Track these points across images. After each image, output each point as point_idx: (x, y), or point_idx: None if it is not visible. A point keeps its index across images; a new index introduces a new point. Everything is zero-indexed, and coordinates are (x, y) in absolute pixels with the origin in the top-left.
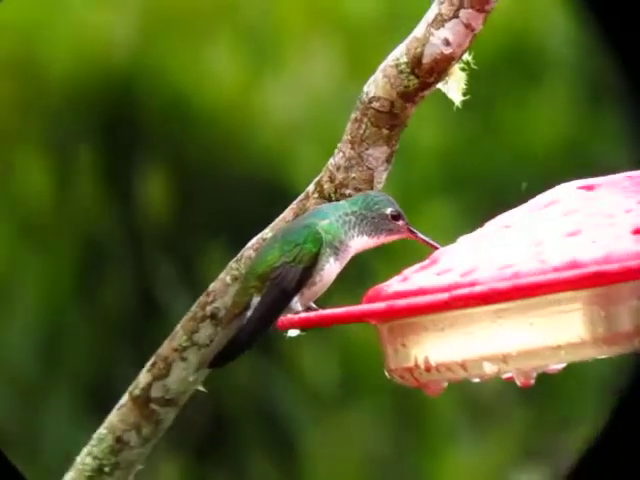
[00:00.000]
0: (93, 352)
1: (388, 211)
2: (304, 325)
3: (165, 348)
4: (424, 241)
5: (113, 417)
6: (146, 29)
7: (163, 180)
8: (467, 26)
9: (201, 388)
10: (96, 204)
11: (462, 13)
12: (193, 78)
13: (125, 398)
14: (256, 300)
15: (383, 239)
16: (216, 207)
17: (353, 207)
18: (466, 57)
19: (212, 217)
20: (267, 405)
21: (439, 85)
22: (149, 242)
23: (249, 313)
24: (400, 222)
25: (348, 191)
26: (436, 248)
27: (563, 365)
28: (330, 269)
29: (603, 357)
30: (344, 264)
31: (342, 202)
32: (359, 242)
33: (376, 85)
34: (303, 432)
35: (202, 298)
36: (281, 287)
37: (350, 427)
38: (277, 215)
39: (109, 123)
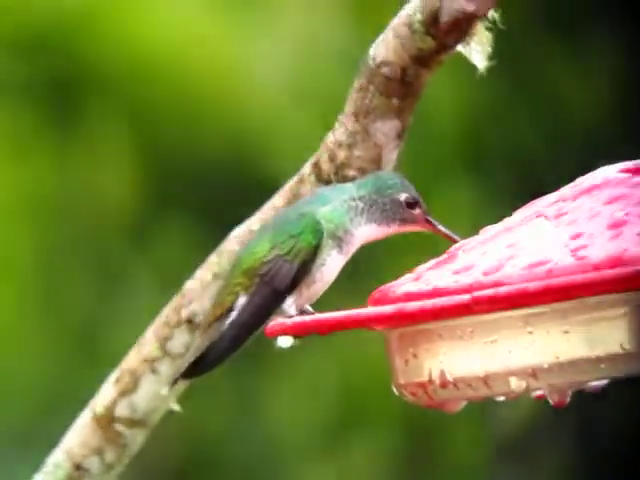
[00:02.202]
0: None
1: (402, 197)
2: (298, 332)
3: (132, 359)
4: (443, 233)
5: (71, 439)
6: None
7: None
8: None
9: (175, 407)
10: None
11: None
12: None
13: (86, 417)
14: (242, 300)
15: (395, 229)
16: (191, 187)
17: (361, 190)
18: (492, 14)
19: (187, 198)
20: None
21: (459, 47)
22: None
23: (234, 315)
24: (416, 210)
25: (351, 172)
26: (455, 241)
27: (604, 382)
28: (332, 265)
29: None
30: (349, 257)
31: (348, 185)
32: (366, 231)
33: (385, 47)
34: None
35: (176, 299)
36: (272, 285)
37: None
38: (261, 202)
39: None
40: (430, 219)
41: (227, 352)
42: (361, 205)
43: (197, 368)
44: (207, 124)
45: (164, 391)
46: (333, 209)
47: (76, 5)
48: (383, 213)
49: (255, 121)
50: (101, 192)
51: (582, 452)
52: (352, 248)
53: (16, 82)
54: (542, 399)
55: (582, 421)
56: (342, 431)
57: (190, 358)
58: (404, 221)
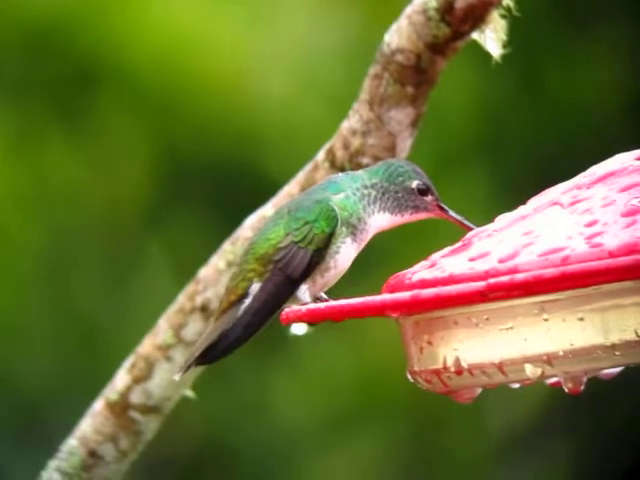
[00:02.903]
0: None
1: (414, 184)
2: (313, 319)
3: (146, 346)
4: (456, 220)
5: (86, 426)
6: None
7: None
8: None
9: (189, 393)
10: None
11: None
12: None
13: (100, 404)
14: (256, 286)
15: (408, 217)
16: (204, 176)
17: (373, 178)
18: (507, 1)
19: (200, 187)
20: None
21: (474, 35)
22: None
23: (247, 302)
24: (428, 197)
25: (365, 160)
26: (470, 229)
27: (618, 369)
28: (346, 252)
29: None
30: (363, 246)
31: (359, 172)
32: (380, 220)
33: (400, 34)
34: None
35: (190, 287)
36: (286, 272)
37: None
38: (272, 192)
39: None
40: (443, 206)
41: (240, 339)
42: (374, 193)
43: (210, 355)
44: (218, 115)
45: (177, 377)
46: (346, 197)
47: (83, 3)
48: (395, 201)
49: (264, 114)
50: (114, 182)
51: (589, 447)
52: (366, 236)
53: (28, 75)
54: (557, 386)
55: (591, 414)
56: (353, 422)
57: (203, 344)
58: (416, 208)
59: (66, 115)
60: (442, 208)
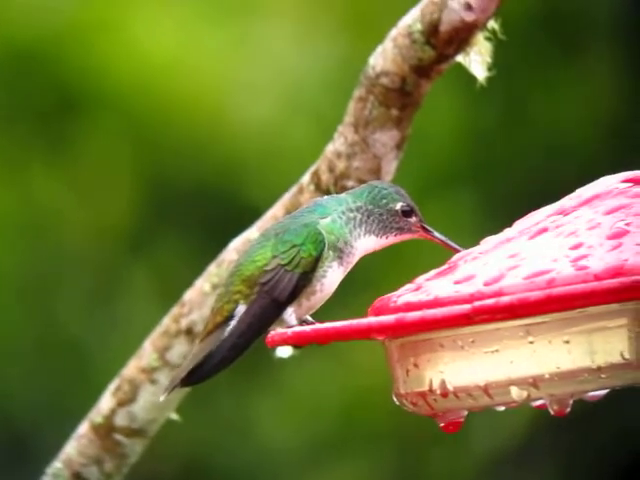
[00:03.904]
0: None
1: (398, 206)
2: (298, 342)
3: (131, 368)
4: (441, 242)
5: (70, 448)
6: None
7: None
8: None
9: (174, 416)
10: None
11: None
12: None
13: (85, 427)
14: (242, 308)
15: (393, 239)
16: (189, 200)
17: (357, 201)
18: (492, 25)
19: (185, 211)
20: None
21: (459, 58)
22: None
23: (232, 323)
24: (413, 219)
25: (350, 183)
26: (455, 250)
27: (604, 391)
28: (333, 276)
29: None
30: (349, 269)
31: (343, 195)
32: (366, 243)
33: (384, 57)
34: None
35: (175, 309)
36: (272, 295)
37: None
38: (256, 217)
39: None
40: (427, 227)
41: (225, 361)
42: (359, 216)
43: (195, 376)
44: (202, 139)
45: (161, 397)
46: (333, 221)
47: (67, 26)
48: (380, 223)
49: (249, 138)
50: (99, 206)
51: (576, 464)
52: (352, 259)
53: (13, 100)
54: (542, 408)
55: (576, 434)
56: (338, 443)
57: (188, 366)
58: (401, 230)
59: (51, 140)
60: (426, 229)
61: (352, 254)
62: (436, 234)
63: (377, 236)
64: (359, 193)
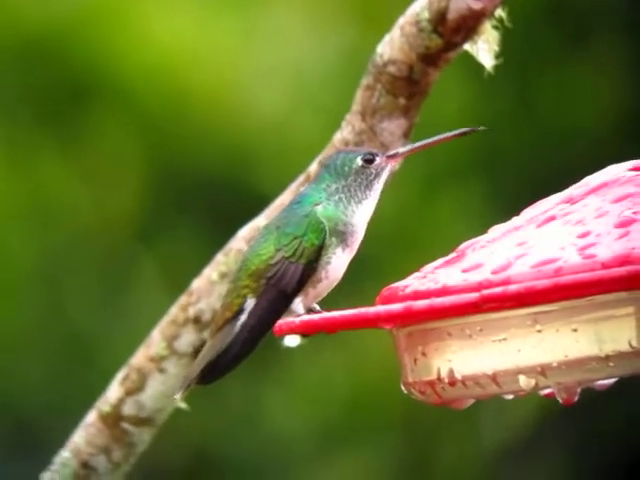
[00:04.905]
0: None
1: (359, 162)
2: (306, 330)
3: (139, 357)
4: (414, 150)
5: (78, 438)
6: None
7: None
8: None
9: (182, 405)
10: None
11: None
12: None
13: (92, 416)
14: (250, 302)
15: (378, 189)
16: (196, 189)
17: (331, 184)
18: (499, 13)
19: (193, 200)
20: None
21: (466, 46)
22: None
23: (242, 318)
24: (377, 159)
25: None
26: (435, 142)
27: (612, 380)
28: (338, 262)
29: None
30: (355, 250)
31: (312, 186)
32: (361, 214)
33: (392, 45)
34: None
35: (183, 298)
36: (279, 287)
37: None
38: (263, 205)
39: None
40: (392, 153)
41: (239, 356)
42: (342, 196)
43: (209, 374)
44: (211, 128)
45: (176, 397)
46: (325, 207)
47: (78, 16)
48: (360, 188)
49: (257, 127)
50: (107, 195)
51: (584, 457)
52: (357, 237)
53: (23, 88)
54: (551, 397)
55: (585, 424)
56: (346, 433)
57: (201, 363)
58: (377, 176)
59: (60, 129)
60: (393, 156)
61: (355, 232)
62: (403, 150)
63: (365, 199)
64: (327, 177)
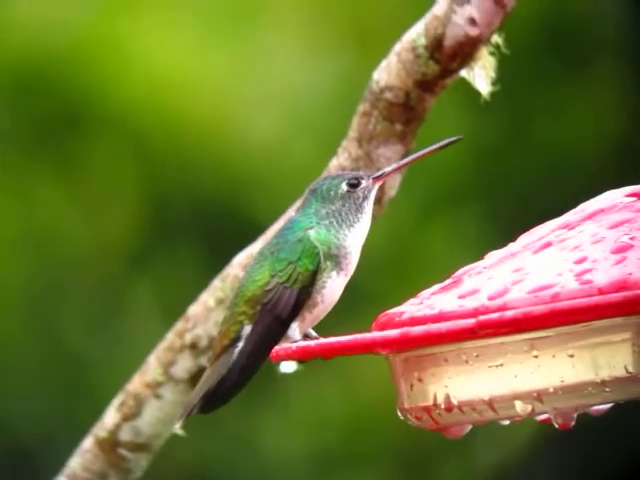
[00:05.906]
0: None
1: (344, 187)
2: (303, 357)
3: (136, 383)
4: (399, 168)
5: (74, 463)
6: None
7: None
8: (497, 2)
9: (179, 432)
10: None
11: None
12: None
13: (89, 441)
14: (247, 329)
15: (368, 212)
16: (192, 216)
17: (320, 209)
18: (496, 39)
19: (189, 226)
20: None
21: (463, 73)
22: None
23: (240, 345)
24: (364, 182)
25: None
26: (419, 157)
27: (608, 405)
28: (334, 285)
29: None
30: (350, 273)
31: (305, 209)
32: (355, 238)
33: (389, 72)
34: None
35: (180, 324)
36: (274, 313)
37: None
38: (259, 232)
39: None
40: (379, 174)
41: (238, 384)
42: (332, 220)
43: (210, 402)
44: (206, 155)
45: (176, 427)
46: (317, 232)
47: (72, 43)
48: (350, 212)
49: (253, 153)
50: (102, 221)
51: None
52: (352, 260)
53: (17, 115)
54: (547, 423)
55: (582, 448)
56: (342, 458)
57: (200, 391)
58: (365, 199)
59: (55, 155)
60: (379, 177)
61: (349, 255)
62: (389, 169)
63: (357, 222)
64: (314, 202)
